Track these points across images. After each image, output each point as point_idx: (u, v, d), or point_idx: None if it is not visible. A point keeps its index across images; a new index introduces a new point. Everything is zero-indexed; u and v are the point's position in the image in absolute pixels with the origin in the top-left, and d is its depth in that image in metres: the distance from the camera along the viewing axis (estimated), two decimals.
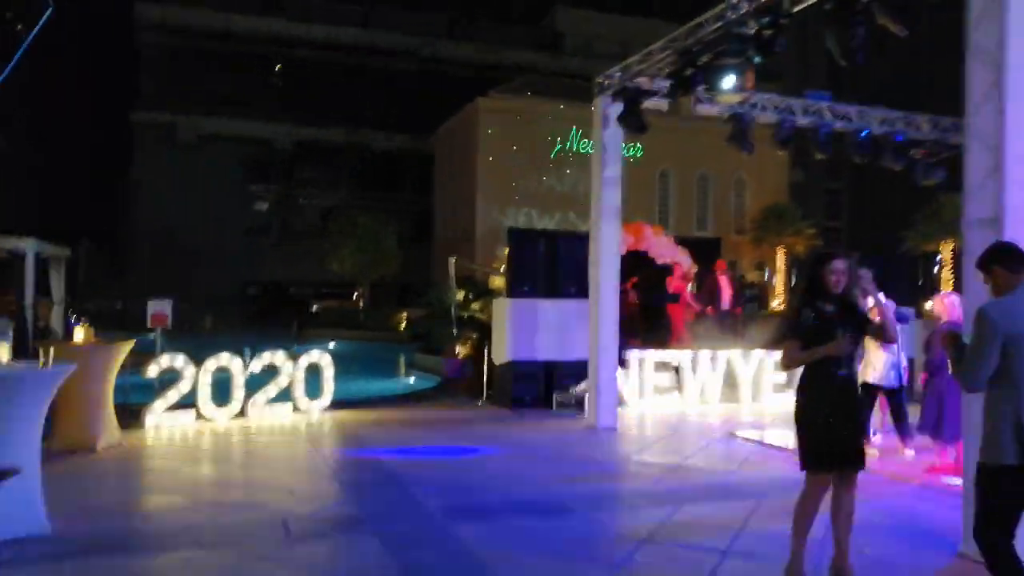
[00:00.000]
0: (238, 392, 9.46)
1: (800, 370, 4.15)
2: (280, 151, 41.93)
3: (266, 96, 42.33)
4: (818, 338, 3.96)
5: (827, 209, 44.65)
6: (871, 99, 12.40)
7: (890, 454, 7.68)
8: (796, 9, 7.03)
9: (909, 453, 7.60)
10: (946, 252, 25.94)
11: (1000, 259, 3.53)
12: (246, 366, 9.58)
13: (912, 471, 7.07)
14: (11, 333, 5.90)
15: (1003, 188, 4.74)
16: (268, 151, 41.68)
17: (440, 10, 45.26)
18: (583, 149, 28.90)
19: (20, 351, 6.51)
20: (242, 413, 9.48)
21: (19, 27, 39.13)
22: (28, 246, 9.29)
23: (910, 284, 14.13)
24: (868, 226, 42.24)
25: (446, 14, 45.44)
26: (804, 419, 4.10)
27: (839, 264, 3.99)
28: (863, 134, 10.89)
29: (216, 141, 39.75)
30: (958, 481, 5.35)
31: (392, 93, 43.43)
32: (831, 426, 4.00)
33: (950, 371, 6.83)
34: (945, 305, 6.92)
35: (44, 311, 10.04)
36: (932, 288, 21.51)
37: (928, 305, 8.08)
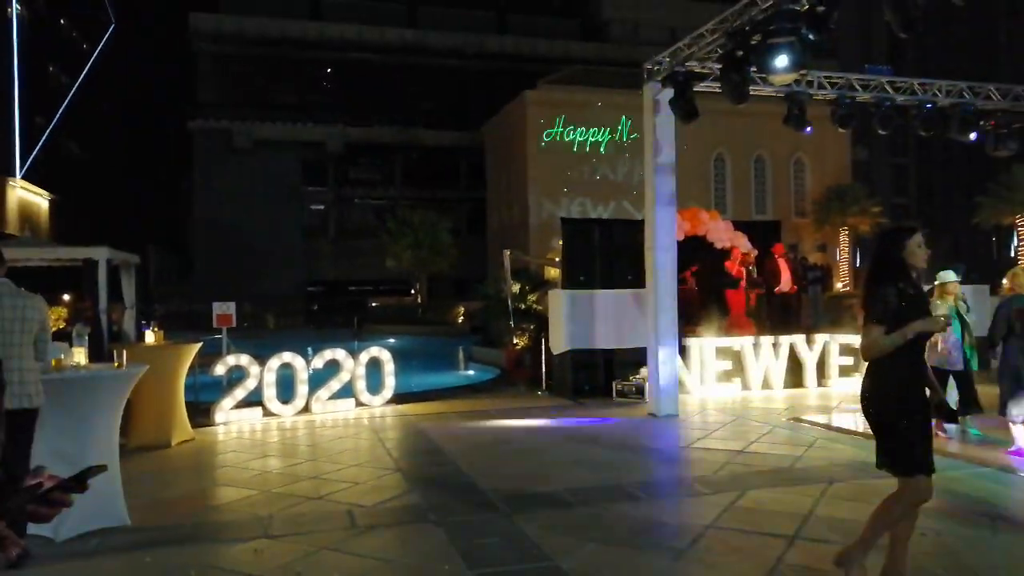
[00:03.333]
0: (302, 388, 9.72)
1: (890, 360, 3.59)
2: (333, 152, 42.65)
3: (318, 99, 43.13)
4: (906, 322, 3.54)
5: (894, 185, 43.26)
6: (937, 71, 11.99)
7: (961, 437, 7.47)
8: None
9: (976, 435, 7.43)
10: (1022, 224, 24.83)
11: None
12: (308, 363, 9.83)
13: (990, 454, 6.84)
14: (87, 338, 6.16)
15: None
16: (321, 153, 42.43)
17: (485, 5, 45.38)
18: (634, 137, 28.63)
19: (96, 354, 6.82)
20: (306, 408, 9.74)
21: (85, 45, 40.77)
22: (100, 254, 9.69)
23: (985, 259, 13.63)
24: (938, 201, 40.74)
25: (491, 9, 45.54)
26: (907, 416, 3.58)
27: (920, 238, 3.66)
28: (928, 107, 10.54)
29: (271, 145, 40.64)
30: None
31: (440, 89, 43.73)
32: (927, 419, 3.65)
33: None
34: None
35: (117, 316, 10.44)
36: (1012, 262, 20.69)
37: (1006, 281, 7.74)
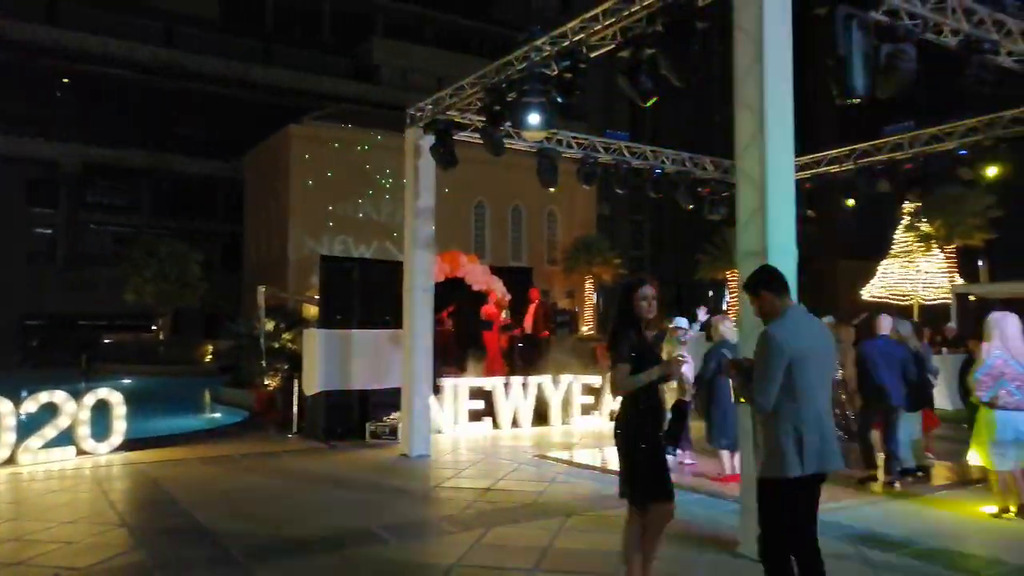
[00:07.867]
0: (7, 436, 8.45)
1: (632, 396, 4.07)
2: (68, 172, 38.21)
3: (51, 113, 38.52)
4: (642, 363, 4.00)
5: (632, 239, 47.65)
6: (668, 141, 13.49)
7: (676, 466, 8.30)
8: (593, 55, 7.55)
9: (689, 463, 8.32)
10: (732, 280, 28.56)
11: (768, 283, 3.71)
12: (19, 407, 8.57)
13: (699, 481, 7.65)
14: None
15: (766, 224, 5.34)
16: (53, 172, 37.82)
17: (253, 35, 43.71)
18: (398, 180, 28.99)
19: None
20: (11, 460, 8.47)
21: None
22: None
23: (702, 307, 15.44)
24: (668, 255, 45.59)
25: (259, 39, 43.94)
26: (636, 447, 4.05)
27: (648, 290, 4.11)
28: (657, 172, 11.81)
29: None
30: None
31: (199, 115, 41.14)
32: (661, 451, 4.13)
33: (734, 397, 7.48)
34: (725, 328, 7.65)
35: None
36: (721, 312, 23.69)
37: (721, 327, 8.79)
